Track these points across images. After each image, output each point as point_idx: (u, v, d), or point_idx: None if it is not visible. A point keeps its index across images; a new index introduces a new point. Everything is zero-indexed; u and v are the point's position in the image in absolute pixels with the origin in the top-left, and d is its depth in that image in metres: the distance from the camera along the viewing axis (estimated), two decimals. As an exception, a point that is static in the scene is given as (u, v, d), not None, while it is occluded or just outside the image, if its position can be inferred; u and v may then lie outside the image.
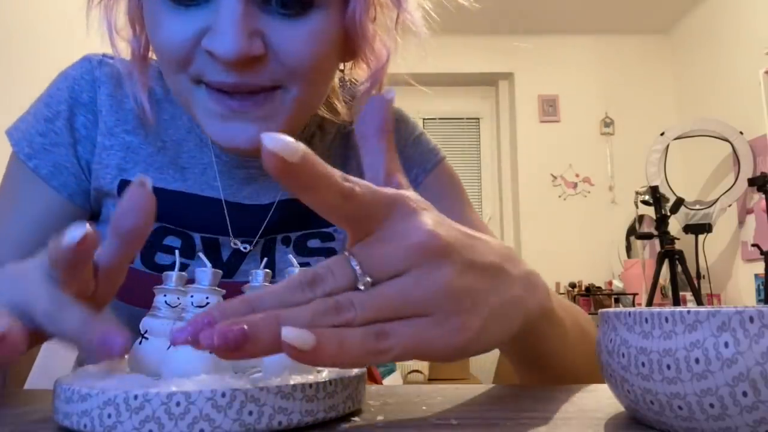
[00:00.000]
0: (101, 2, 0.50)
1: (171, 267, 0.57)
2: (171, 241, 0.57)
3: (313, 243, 0.60)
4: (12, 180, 0.58)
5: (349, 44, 0.50)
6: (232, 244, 0.58)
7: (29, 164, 0.56)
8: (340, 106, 0.60)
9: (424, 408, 0.34)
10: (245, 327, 0.23)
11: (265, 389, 0.27)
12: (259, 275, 0.39)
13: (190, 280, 0.33)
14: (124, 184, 0.57)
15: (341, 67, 0.55)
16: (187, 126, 0.59)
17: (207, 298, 0.31)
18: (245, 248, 0.58)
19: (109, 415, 0.26)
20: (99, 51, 0.58)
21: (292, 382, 0.28)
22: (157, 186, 0.56)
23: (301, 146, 0.24)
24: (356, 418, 0.31)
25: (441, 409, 0.33)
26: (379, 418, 0.31)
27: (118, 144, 0.57)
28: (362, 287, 0.26)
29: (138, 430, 0.26)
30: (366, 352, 0.25)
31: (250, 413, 0.27)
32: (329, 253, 0.60)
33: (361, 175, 0.62)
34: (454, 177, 0.65)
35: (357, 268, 0.26)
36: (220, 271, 0.33)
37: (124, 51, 0.52)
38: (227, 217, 0.57)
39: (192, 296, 0.31)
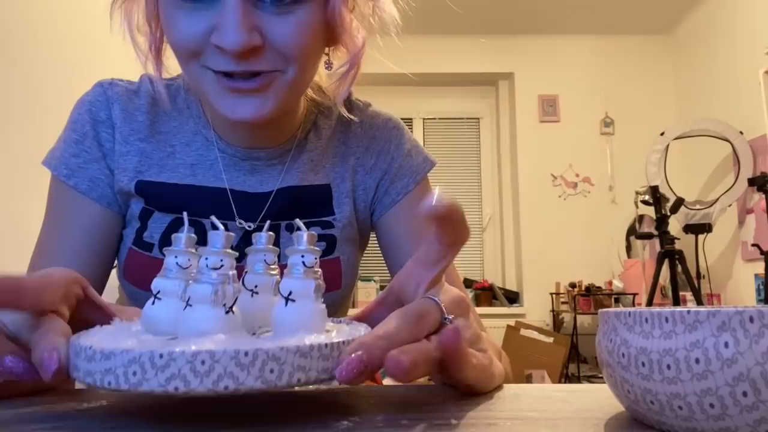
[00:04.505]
0: (122, 5, 0.59)
1: None
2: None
3: (314, 230, 0.67)
4: (56, 201, 0.65)
5: (331, 32, 0.58)
6: (237, 224, 0.65)
7: (69, 183, 0.63)
8: (326, 87, 0.69)
9: (424, 408, 0.34)
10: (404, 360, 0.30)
11: (285, 349, 0.28)
12: (262, 237, 0.38)
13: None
14: (140, 184, 0.65)
15: (326, 51, 0.62)
16: (193, 129, 0.67)
17: (221, 260, 0.31)
18: (249, 227, 0.65)
19: (135, 373, 0.27)
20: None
21: (308, 342, 0.29)
22: (172, 182, 0.65)
23: None
24: (356, 417, 0.31)
25: (441, 409, 0.33)
26: (379, 417, 0.31)
27: (134, 150, 0.65)
28: (447, 321, 0.35)
29: (164, 386, 0.26)
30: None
31: (272, 371, 0.28)
32: (329, 238, 0.68)
33: (358, 168, 0.73)
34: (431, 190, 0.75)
35: (445, 310, 0.36)
36: (233, 234, 0.33)
37: (143, 45, 0.60)
38: (232, 203, 0.65)
39: (207, 258, 0.31)
